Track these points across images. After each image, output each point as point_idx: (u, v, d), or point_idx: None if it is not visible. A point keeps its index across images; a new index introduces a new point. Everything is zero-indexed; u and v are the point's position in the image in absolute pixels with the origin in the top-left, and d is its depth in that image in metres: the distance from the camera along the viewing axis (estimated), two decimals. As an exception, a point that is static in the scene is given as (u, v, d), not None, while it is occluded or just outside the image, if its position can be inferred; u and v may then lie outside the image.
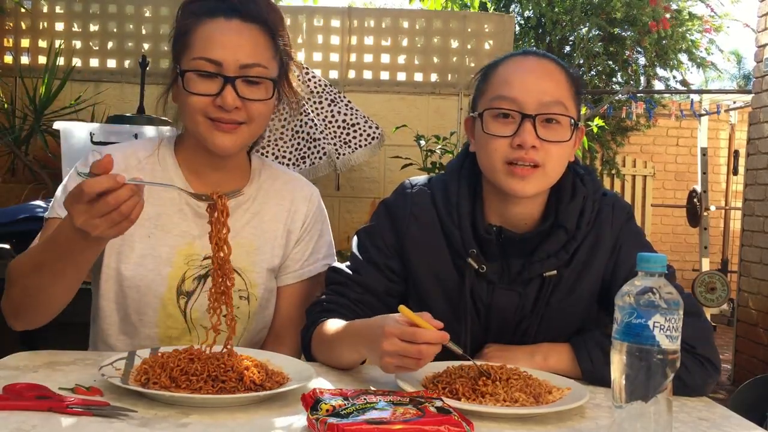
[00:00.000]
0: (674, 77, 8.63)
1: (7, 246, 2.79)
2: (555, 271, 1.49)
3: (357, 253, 1.59)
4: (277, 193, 1.68)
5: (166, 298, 1.56)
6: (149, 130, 3.45)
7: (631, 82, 8.26)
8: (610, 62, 8.32)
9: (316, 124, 4.06)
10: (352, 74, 4.84)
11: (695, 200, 7.83)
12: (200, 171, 1.61)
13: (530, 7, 8.11)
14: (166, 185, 1.51)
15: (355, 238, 1.63)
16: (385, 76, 4.85)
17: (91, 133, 3.52)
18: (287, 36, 1.58)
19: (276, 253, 1.66)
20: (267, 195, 1.67)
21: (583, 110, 5.17)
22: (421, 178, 1.64)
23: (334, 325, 1.44)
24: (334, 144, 4.10)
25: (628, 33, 8.16)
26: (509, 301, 1.51)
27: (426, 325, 1.19)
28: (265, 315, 1.66)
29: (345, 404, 1.03)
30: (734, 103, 7.78)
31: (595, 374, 1.41)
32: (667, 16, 8.15)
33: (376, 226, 1.60)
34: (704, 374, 1.40)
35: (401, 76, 4.85)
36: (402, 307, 1.22)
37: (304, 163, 4.02)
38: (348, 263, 1.60)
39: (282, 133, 4.05)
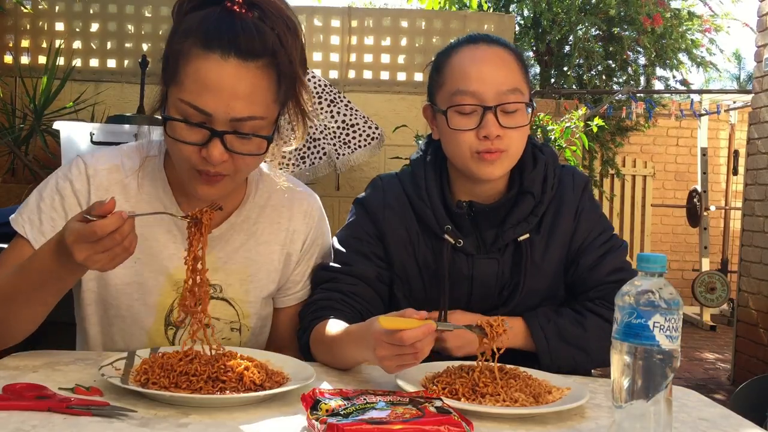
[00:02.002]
0: (674, 77, 8.64)
1: (6, 246, 2.78)
2: (527, 235, 1.57)
3: (341, 248, 1.61)
4: (274, 210, 1.56)
5: (153, 330, 1.48)
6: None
7: (631, 82, 8.26)
8: (610, 62, 8.32)
9: (315, 125, 4.06)
10: (352, 74, 4.84)
11: (695, 200, 7.84)
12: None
13: (529, 6, 8.10)
14: (160, 213, 1.41)
15: (335, 238, 1.65)
16: (385, 76, 4.85)
17: (91, 133, 3.52)
18: (300, 56, 1.37)
19: (272, 278, 1.56)
20: (262, 212, 1.55)
21: (583, 110, 5.17)
22: (390, 173, 1.71)
23: (331, 328, 1.43)
24: (334, 144, 4.10)
25: (627, 32, 8.16)
26: (489, 270, 1.58)
27: (410, 324, 1.18)
28: (258, 342, 1.58)
29: (345, 404, 1.03)
30: (734, 103, 7.78)
31: (548, 344, 1.50)
32: (668, 15, 8.15)
33: (354, 221, 1.65)
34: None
35: (401, 76, 4.85)
36: (381, 319, 1.20)
37: (304, 163, 4.02)
38: (334, 261, 1.61)
39: (282, 133, 4.05)
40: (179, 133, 1.31)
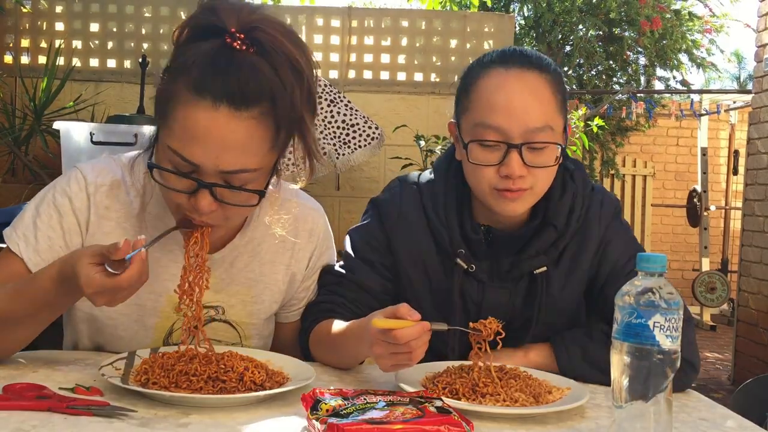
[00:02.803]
0: (674, 77, 8.64)
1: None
2: (545, 268, 1.49)
3: (350, 252, 1.58)
4: (279, 228, 1.50)
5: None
6: (149, 131, 3.45)
7: (631, 82, 8.26)
8: (610, 62, 8.33)
9: (315, 124, 4.06)
10: (352, 74, 4.85)
11: (695, 200, 7.84)
12: None
13: (529, 7, 8.11)
14: (171, 230, 1.31)
15: (347, 237, 1.61)
16: (385, 76, 4.85)
17: (91, 133, 3.53)
18: (306, 96, 1.26)
19: (275, 299, 1.52)
20: (267, 231, 1.49)
21: (583, 110, 5.17)
22: (411, 175, 1.63)
23: (332, 327, 1.43)
24: (334, 144, 4.11)
25: (627, 33, 8.17)
26: (500, 299, 1.51)
27: (404, 324, 1.18)
28: None
29: (345, 404, 1.03)
30: (734, 103, 7.79)
31: (574, 370, 1.41)
32: (668, 16, 8.16)
33: (368, 225, 1.59)
34: (685, 377, 1.40)
35: (401, 76, 4.86)
36: (375, 321, 1.20)
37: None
38: (341, 263, 1.59)
39: (282, 133, 4.05)
40: (167, 179, 1.25)
